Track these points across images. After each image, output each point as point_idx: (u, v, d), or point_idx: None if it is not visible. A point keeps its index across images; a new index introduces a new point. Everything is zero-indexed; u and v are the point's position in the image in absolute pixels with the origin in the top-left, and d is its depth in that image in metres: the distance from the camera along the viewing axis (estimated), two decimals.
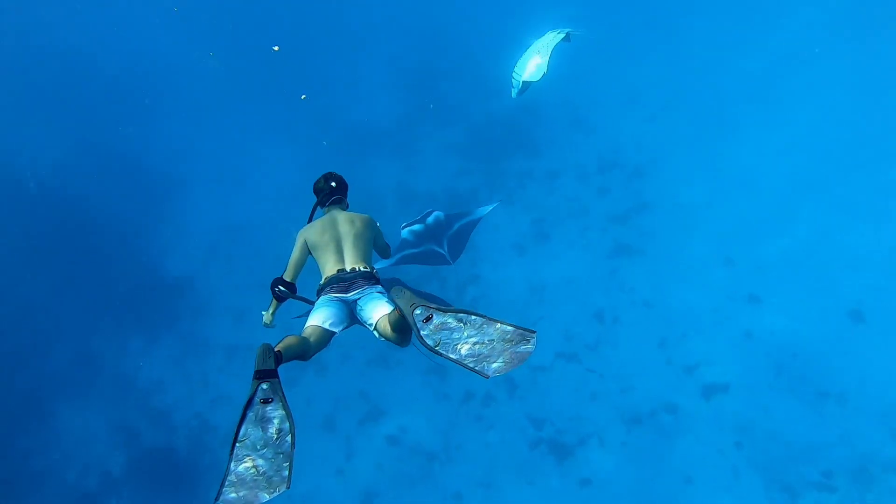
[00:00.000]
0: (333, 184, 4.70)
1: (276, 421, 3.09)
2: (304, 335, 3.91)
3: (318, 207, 4.80)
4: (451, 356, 3.14)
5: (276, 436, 3.06)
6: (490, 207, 11.48)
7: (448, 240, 10.56)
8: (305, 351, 3.78)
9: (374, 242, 4.68)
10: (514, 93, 10.46)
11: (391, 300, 4.02)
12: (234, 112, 17.69)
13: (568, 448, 11.29)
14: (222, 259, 15.54)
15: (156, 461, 12.24)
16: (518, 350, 3.11)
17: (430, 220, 10.48)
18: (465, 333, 3.16)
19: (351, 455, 12.12)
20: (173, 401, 13.15)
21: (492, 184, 15.18)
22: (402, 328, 3.75)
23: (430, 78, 17.42)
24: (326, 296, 4.21)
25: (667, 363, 11.76)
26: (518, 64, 10.27)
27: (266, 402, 3.10)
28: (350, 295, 4.16)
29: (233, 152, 17.32)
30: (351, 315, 4.25)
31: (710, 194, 13.49)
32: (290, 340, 3.66)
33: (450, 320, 3.20)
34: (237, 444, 3.01)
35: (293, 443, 3.06)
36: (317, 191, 4.78)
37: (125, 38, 19.65)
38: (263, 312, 4.51)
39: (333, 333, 4.07)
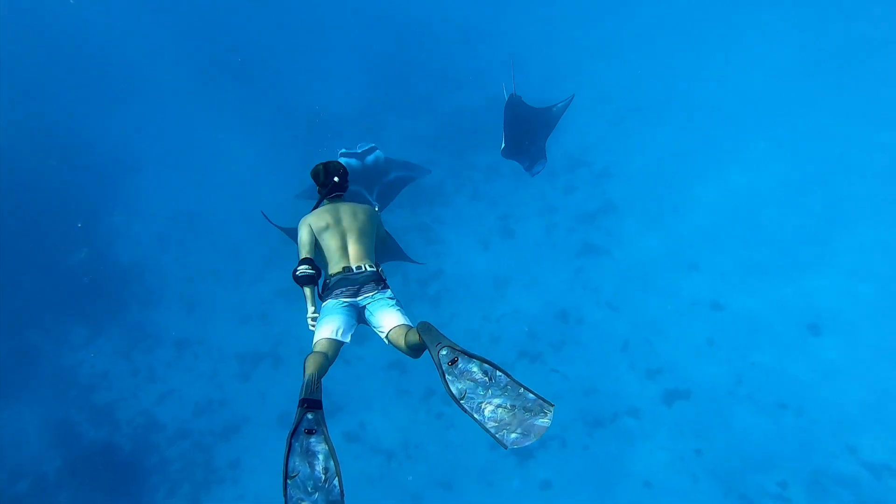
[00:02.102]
0: (336, 178, 4.48)
1: (321, 457, 3.03)
2: (319, 350, 3.79)
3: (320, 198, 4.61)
4: (475, 416, 3.16)
5: (323, 476, 2.98)
6: (429, 171, 11.09)
7: (380, 187, 10.14)
8: (326, 369, 3.70)
9: (377, 234, 4.56)
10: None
11: (402, 309, 4.08)
12: (189, 95, 16.91)
13: (529, 449, 11.12)
14: (174, 246, 14.86)
15: (96, 462, 11.54)
16: (535, 423, 3.14)
17: (369, 159, 9.99)
18: (490, 392, 3.20)
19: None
20: (118, 396, 12.47)
21: (458, 177, 14.90)
22: (418, 348, 3.76)
23: (396, 67, 17.00)
24: (335, 300, 4.07)
25: (630, 367, 11.70)
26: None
27: (310, 433, 3.07)
28: (360, 299, 4.11)
29: (187, 136, 16.58)
30: (359, 317, 4.18)
31: (676, 198, 13.47)
32: (318, 363, 3.58)
33: (475, 369, 3.26)
34: (289, 482, 2.92)
35: (342, 490, 2.98)
36: (318, 182, 4.54)
37: (76, 15, 18.60)
38: (308, 318, 4.08)
39: (344, 343, 3.95)
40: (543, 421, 3.15)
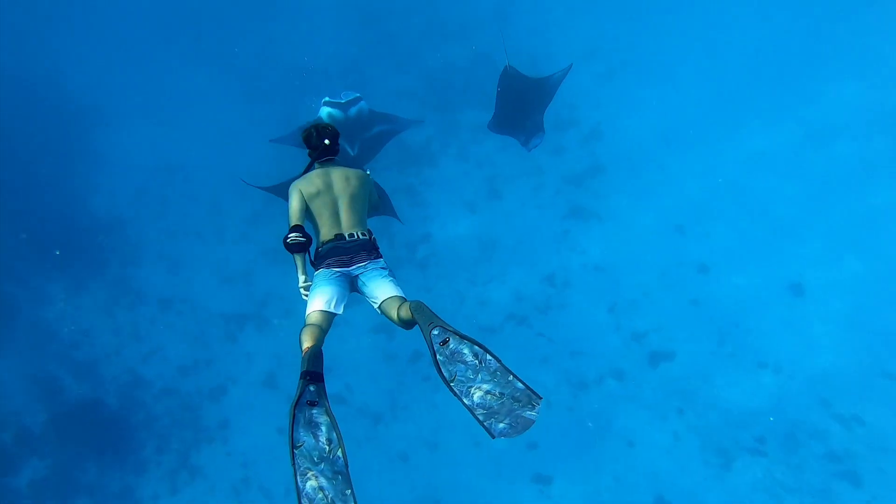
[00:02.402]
0: (327, 141, 4.30)
1: (323, 428, 3.09)
2: (313, 322, 3.78)
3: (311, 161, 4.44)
4: (464, 400, 3.16)
5: (327, 447, 3.05)
6: (416, 121, 10.80)
7: (361, 142, 9.88)
8: (323, 341, 3.71)
9: (369, 199, 4.41)
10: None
11: (395, 280, 4.03)
12: (162, 40, 16.10)
13: None
14: (154, 202, 14.45)
15: (82, 417, 11.53)
16: (523, 415, 3.12)
17: (352, 110, 9.59)
18: (480, 377, 3.19)
19: None
20: (101, 353, 12.35)
21: (445, 136, 14.64)
22: (409, 323, 3.72)
23: (378, 17, 16.37)
24: (327, 270, 3.97)
25: (616, 329, 11.92)
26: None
27: (312, 404, 3.13)
28: (352, 269, 4.01)
29: (162, 84, 15.87)
30: (351, 286, 4.09)
31: (664, 159, 13.46)
32: (315, 336, 3.61)
33: (465, 350, 3.24)
34: (296, 451, 3.00)
35: (346, 461, 3.04)
36: (308, 145, 4.37)
37: None
38: (300, 288, 4.07)
39: (337, 314, 3.91)
40: (531, 413, 3.13)
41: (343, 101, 9.81)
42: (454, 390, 3.18)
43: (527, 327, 12.27)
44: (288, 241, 3.94)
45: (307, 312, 3.86)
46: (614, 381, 11.46)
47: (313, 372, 3.27)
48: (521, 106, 9.72)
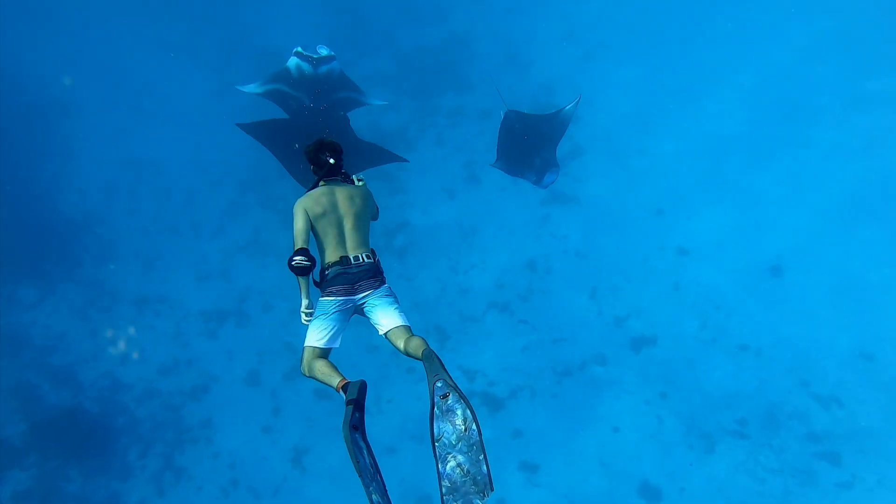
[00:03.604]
0: (332, 160, 4.28)
1: (365, 454, 3.40)
2: (320, 357, 3.97)
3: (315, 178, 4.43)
4: (439, 465, 3.36)
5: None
6: (382, 102, 10.44)
7: (324, 101, 9.64)
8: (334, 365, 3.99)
9: (371, 215, 4.50)
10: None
11: (399, 306, 4.16)
12: (128, 29, 15.55)
13: (500, 400, 11.38)
14: (125, 197, 14.13)
15: (63, 424, 11.34)
16: (472, 501, 3.35)
17: (323, 68, 9.20)
18: (460, 445, 3.38)
19: (278, 410, 11.74)
20: (77, 358, 12.11)
21: (421, 121, 14.41)
22: (414, 357, 3.89)
23: (352, 1, 15.94)
24: (332, 300, 4.03)
25: (598, 314, 11.92)
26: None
27: (355, 428, 3.42)
28: (357, 297, 4.10)
29: (129, 75, 15.39)
30: (354, 310, 4.19)
31: (643, 142, 13.37)
32: (333, 368, 3.88)
33: (458, 411, 3.43)
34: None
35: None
36: (312, 162, 4.37)
37: None
38: (302, 312, 4.14)
39: (334, 347, 4.10)
40: (478, 501, 3.35)
41: (315, 57, 9.40)
42: (436, 450, 3.36)
43: (509, 314, 12.23)
44: (293, 263, 3.95)
45: (309, 343, 3.96)
46: (598, 366, 11.49)
47: (357, 401, 3.50)
48: (528, 146, 9.47)
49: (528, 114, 9.75)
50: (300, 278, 4.05)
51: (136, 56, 15.32)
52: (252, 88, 10.03)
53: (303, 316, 4.12)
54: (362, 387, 3.59)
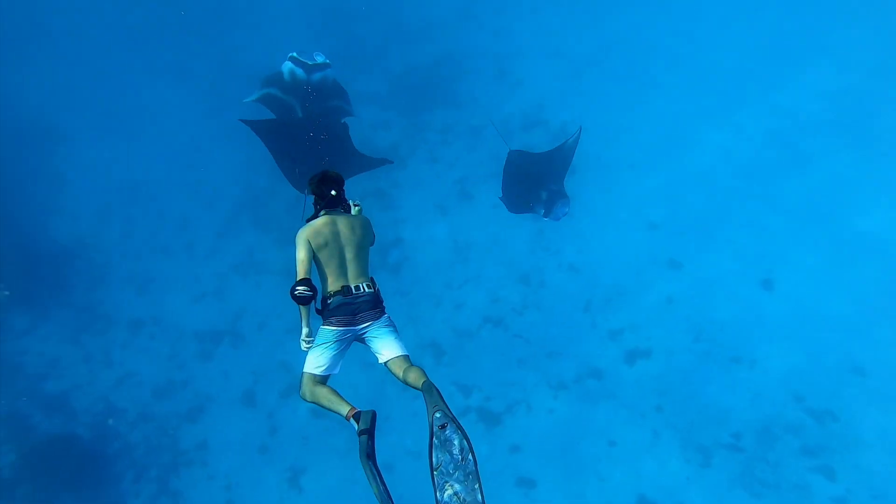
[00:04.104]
0: (333, 192, 4.48)
1: (377, 481, 3.64)
2: (321, 384, 4.17)
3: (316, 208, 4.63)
4: (437, 492, 3.58)
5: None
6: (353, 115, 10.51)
7: (312, 109, 9.60)
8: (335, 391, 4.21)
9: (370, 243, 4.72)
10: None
11: (398, 335, 4.36)
12: (118, 53, 15.65)
13: (496, 415, 11.36)
14: (118, 221, 14.13)
15: (54, 453, 11.16)
16: None
17: (317, 75, 9.36)
18: (457, 474, 3.60)
19: (274, 430, 11.68)
20: (71, 384, 12.04)
21: (413, 138, 14.51)
22: (413, 387, 4.09)
23: (342, 21, 16.10)
24: (334, 330, 4.20)
25: (592, 328, 11.95)
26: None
27: (369, 457, 3.68)
28: (358, 327, 4.28)
29: (120, 99, 15.46)
30: (354, 338, 4.38)
31: (633, 156, 13.48)
32: (337, 395, 4.08)
33: (455, 441, 3.65)
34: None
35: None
36: (315, 193, 4.57)
37: None
38: (302, 340, 4.30)
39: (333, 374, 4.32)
40: None
41: (310, 63, 9.44)
42: (434, 478, 3.58)
43: (503, 329, 12.25)
44: (296, 293, 4.10)
45: (308, 370, 4.15)
46: (593, 380, 11.49)
47: (371, 431, 3.77)
48: (533, 182, 9.65)
49: (531, 152, 9.78)
50: (302, 308, 4.19)
51: (128, 80, 15.40)
52: (253, 96, 10.14)
53: (303, 343, 4.27)
54: (374, 417, 3.83)
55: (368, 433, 3.75)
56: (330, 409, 4.03)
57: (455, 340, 12.20)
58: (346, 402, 3.99)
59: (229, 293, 12.94)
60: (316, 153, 9.81)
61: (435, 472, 3.62)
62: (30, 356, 12.35)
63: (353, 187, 13.89)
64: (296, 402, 11.82)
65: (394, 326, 4.38)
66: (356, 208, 4.55)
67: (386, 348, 4.25)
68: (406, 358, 4.25)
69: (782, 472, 10.43)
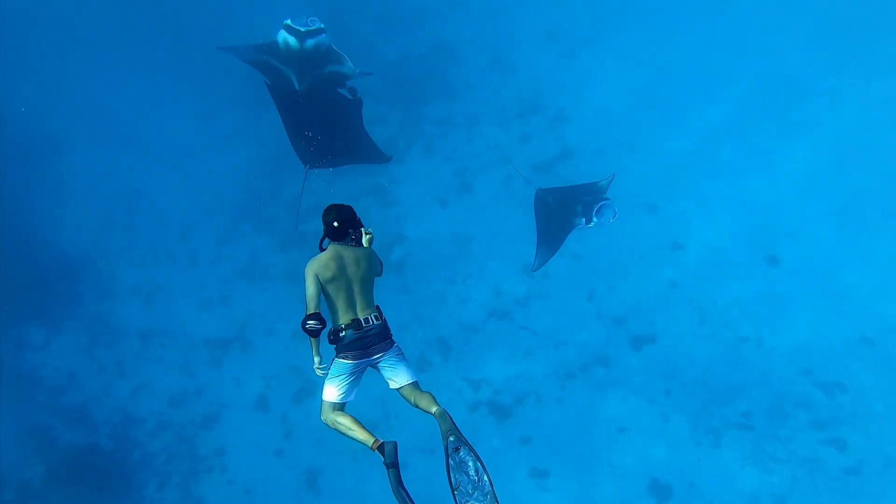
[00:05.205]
0: (336, 224, 4.66)
1: (470, 463, 4.02)
2: (340, 410, 4.55)
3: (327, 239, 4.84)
4: None
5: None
6: (367, 73, 10.55)
7: (311, 79, 9.60)
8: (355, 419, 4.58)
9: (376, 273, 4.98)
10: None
11: (407, 362, 4.68)
12: (111, 59, 15.53)
13: (506, 408, 11.50)
14: (121, 230, 14.19)
15: (80, 463, 11.47)
16: None
17: (310, 41, 9.26)
18: (476, 493, 3.96)
19: (289, 433, 11.87)
20: (89, 396, 12.26)
21: (410, 131, 14.41)
22: (425, 411, 4.47)
23: (333, 11, 15.83)
24: (348, 362, 4.52)
25: (597, 316, 12.01)
26: None
27: (400, 484, 4.01)
28: (372, 358, 4.58)
29: (117, 105, 15.37)
30: (368, 365, 4.68)
31: (631, 136, 13.34)
32: (359, 424, 4.45)
33: (470, 463, 4.01)
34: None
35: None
36: (326, 225, 4.73)
37: None
38: (316, 368, 4.62)
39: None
40: None
41: (303, 30, 9.32)
42: (455, 497, 3.96)
43: (509, 321, 12.32)
44: (307, 327, 4.37)
45: (328, 399, 4.53)
46: (601, 368, 11.59)
47: (393, 462, 4.09)
48: (567, 210, 9.84)
49: (559, 187, 10.14)
50: (312, 339, 4.49)
51: (122, 87, 15.31)
52: (239, 53, 10.08)
53: (317, 371, 4.62)
54: (396, 448, 4.17)
55: (395, 465, 4.08)
56: (352, 439, 4.39)
57: (461, 335, 12.29)
58: (368, 432, 4.35)
59: (235, 299, 13.05)
60: (321, 126, 9.80)
61: (456, 492, 4.00)
62: (48, 370, 12.56)
63: (350, 185, 13.83)
64: (308, 404, 12.01)
65: (403, 354, 4.67)
66: (367, 237, 4.72)
67: (397, 376, 4.59)
68: (416, 384, 4.61)
69: (793, 447, 10.55)
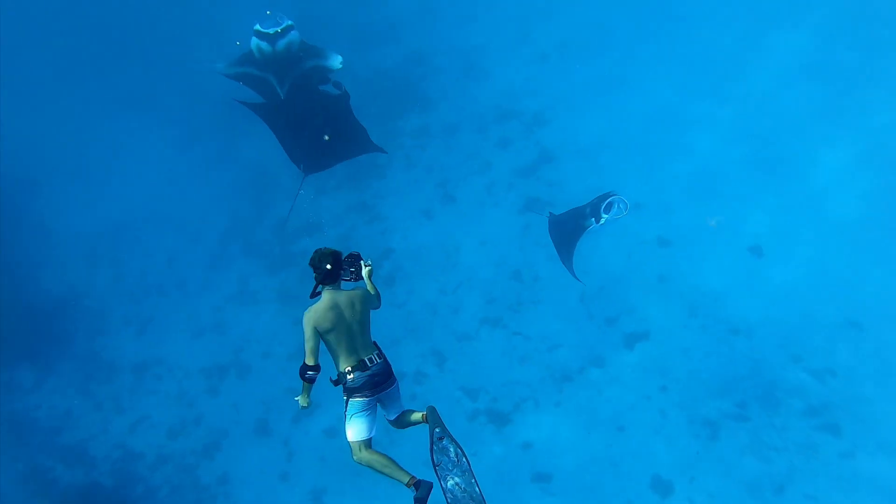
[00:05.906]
0: (328, 266, 4.81)
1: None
2: (370, 447, 4.83)
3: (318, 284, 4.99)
4: (442, 483, 4.50)
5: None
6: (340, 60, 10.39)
7: (292, 80, 9.56)
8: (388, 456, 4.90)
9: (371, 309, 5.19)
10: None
11: (401, 396, 5.14)
12: (85, 93, 15.46)
13: (505, 415, 11.55)
14: (107, 265, 14.13)
15: (82, 503, 11.45)
16: None
17: (281, 43, 9.26)
18: (455, 470, 4.52)
19: (291, 456, 11.86)
20: (87, 433, 12.21)
21: (388, 144, 14.36)
22: (416, 422, 5.06)
23: (303, 29, 15.84)
24: (362, 400, 4.78)
25: (589, 317, 12.09)
26: None
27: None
28: (380, 394, 4.90)
29: (92, 140, 15.33)
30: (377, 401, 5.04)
31: (610, 138, 13.46)
32: (391, 461, 4.78)
33: (451, 450, 4.58)
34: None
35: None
36: (314, 268, 4.90)
37: None
38: (297, 399, 4.88)
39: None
40: None
41: (272, 32, 9.28)
42: (437, 472, 4.50)
43: (502, 328, 12.38)
44: (306, 376, 4.66)
45: (355, 439, 4.79)
46: (596, 368, 11.68)
47: (426, 499, 4.43)
48: (576, 214, 10.13)
49: (570, 209, 10.38)
50: (307, 384, 4.77)
51: (96, 122, 15.24)
52: (222, 68, 10.00)
53: (299, 402, 4.87)
54: (431, 488, 4.48)
55: (424, 501, 4.43)
56: (388, 476, 4.68)
57: (455, 345, 12.34)
58: (404, 470, 4.68)
59: (228, 325, 13.04)
60: (312, 129, 9.79)
61: (437, 468, 4.54)
62: (42, 410, 12.52)
63: (337, 202, 13.76)
64: (308, 425, 12.01)
65: (398, 388, 5.08)
66: (367, 269, 4.91)
67: (396, 410, 5.09)
68: (405, 411, 5.14)
69: (789, 434, 10.67)
